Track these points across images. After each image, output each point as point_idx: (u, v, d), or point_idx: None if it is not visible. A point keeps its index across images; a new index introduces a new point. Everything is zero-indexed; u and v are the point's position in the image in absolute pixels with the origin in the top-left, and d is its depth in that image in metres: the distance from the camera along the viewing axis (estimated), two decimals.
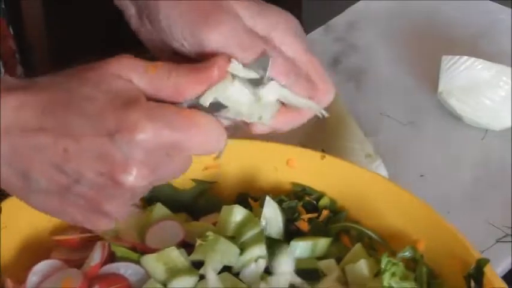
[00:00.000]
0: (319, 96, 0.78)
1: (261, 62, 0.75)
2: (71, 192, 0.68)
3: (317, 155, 0.87)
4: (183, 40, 0.75)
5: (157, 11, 0.76)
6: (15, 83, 0.68)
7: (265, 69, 0.75)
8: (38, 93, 0.68)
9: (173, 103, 0.70)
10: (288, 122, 0.78)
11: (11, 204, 0.81)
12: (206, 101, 0.71)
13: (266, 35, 0.78)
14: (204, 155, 0.70)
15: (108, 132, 0.66)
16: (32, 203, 0.70)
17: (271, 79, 0.75)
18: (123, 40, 1.72)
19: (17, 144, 0.67)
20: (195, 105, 0.70)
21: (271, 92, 0.74)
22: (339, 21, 1.25)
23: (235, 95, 0.73)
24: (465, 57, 1.08)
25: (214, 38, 0.74)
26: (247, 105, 0.74)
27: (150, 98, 0.68)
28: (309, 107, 0.76)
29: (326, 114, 0.77)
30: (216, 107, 0.71)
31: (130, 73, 0.68)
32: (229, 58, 0.73)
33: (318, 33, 1.23)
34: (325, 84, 0.79)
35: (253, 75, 0.74)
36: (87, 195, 0.68)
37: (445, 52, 1.11)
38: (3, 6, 1.08)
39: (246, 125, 0.75)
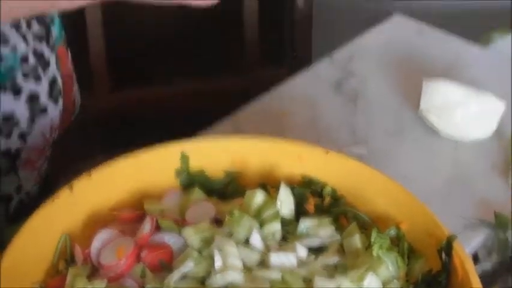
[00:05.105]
0: None
1: None
2: None
3: (322, 151, 0.86)
4: None
5: None
6: None
7: None
8: None
9: None
10: None
11: (82, 185, 0.81)
12: None
13: None
14: None
15: None
16: None
17: None
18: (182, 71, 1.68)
19: None
20: None
21: None
22: (341, 53, 1.26)
23: None
24: (441, 82, 1.08)
25: None
26: None
27: None
28: None
29: None
30: None
31: None
32: None
33: (324, 63, 1.24)
34: None
35: None
36: None
37: (425, 77, 1.10)
38: (63, 33, 1.07)
39: None
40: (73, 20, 1.56)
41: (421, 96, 1.09)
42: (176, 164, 0.86)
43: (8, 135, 0.95)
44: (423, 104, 1.09)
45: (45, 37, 1.01)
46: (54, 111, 1.00)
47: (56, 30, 1.04)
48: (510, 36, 1.49)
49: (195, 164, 0.87)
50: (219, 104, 1.23)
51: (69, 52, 1.07)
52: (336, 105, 1.15)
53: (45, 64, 0.99)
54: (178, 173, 0.87)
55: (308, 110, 1.14)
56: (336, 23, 1.92)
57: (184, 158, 0.86)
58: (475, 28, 1.54)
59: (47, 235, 0.79)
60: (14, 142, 0.97)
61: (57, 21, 1.05)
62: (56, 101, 1.00)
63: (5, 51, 0.93)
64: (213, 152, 0.87)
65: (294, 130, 1.06)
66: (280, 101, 1.16)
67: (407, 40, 1.29)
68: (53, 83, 1.00)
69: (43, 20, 1.01)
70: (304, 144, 0.87)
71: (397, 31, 1.31)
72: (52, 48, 1.01)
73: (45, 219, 0.78)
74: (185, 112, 1.63)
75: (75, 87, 1.08)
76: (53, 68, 1.01)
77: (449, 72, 1.18)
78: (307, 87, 1.19)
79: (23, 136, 0.97)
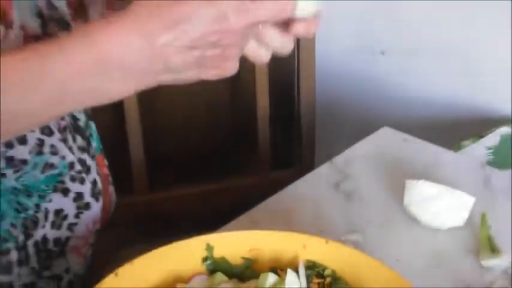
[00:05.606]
0: None
1: None
2: (203, 58, 0.70)
3: (323, 240, 0.91)
4: None
5: None
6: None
7: None
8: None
9: None
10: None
11: (125, 271, 0.85)
12: None
13: None
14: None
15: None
16: (179, 81, 0.72)
17: None
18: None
19: (151, 51, 0.69)
20: None
21: None
22: (339, 159, 1.31)
23: None
24: (421, 181, 1.14)
25: None
26: None
27: None
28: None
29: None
30: None
31: None
32: None
33: (325, 167, 1.29)
34: None
35: None
36: (214, 53, 0.70)
37: (408, 177, 1.17)
38: (100, 145, 1.13)
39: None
40: (114, 131, 1.65)
41: (405, 192, 1.15)
42: (203, 253, 0.92)
43: (59, 227, 1.02)
44: (406, 199, 1.15)
45: (87, 148, 1.08)
46: (95, 207, 1.06)
47: (95, 143, 1.12)
48: (477, 143, 1.57)
49: (218, 252, 0.92)
50: (237, 202, 1.27)
51: (105, 160, 1.14)
52: (335, 201, 1.20)
53: (88, 170, 1.06)
54: (204, 260, 0.93)
55: (312, 206, 1.18)
56: (335, 134, 1.97)
57: (209, 248, 0.93)
58: (449, 136, 1.60)
59: None
60: (63, 232, 1.03)
61: (95, 135, 1.13)
62: (97, 199, 1.06)
63: (56, 160, 1.00)
64: (233, 243, 0.93)
65: (300, 223, 1.09)
66: (288, 199, 1.20)
67: (394, 147, 1.34)
68: (94, 184, 1.06)
69: (84, 135, 1.08)
70: (307, 235, 0.92)
71: (385, 140, 1.36)
72: (92, 157, 1.08)
73: None
74: (209, 208, 1.68)
75: (111, 188, 1.14)
76: (93, 173, 1.07)
77: (428, 173, 1.24)
78: (311, 187, 1.23)
79: (70, 227, 1.03)
